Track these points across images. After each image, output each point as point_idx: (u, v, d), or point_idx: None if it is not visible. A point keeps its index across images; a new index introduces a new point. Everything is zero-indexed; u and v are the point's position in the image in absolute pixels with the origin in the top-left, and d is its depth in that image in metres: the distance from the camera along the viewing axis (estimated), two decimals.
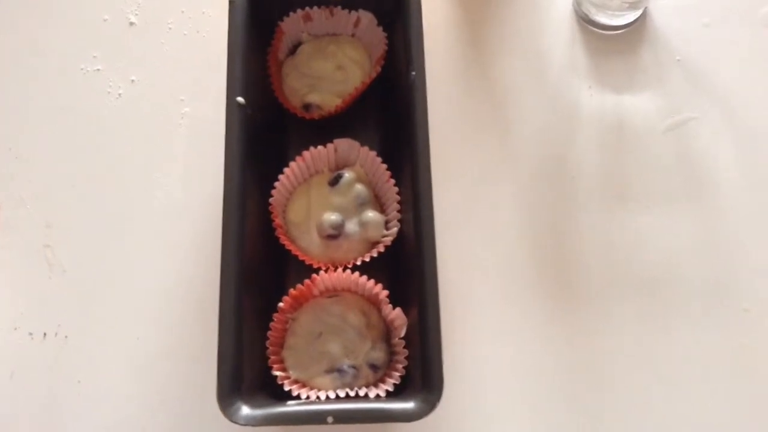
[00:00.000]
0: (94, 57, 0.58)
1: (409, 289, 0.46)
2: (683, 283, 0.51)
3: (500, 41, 0.58)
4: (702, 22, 0.58)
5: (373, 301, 0.48)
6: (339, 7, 0.53)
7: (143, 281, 0.52)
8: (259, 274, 0.47)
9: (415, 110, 0.46)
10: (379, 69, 0.52)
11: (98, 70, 0.57)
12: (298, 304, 0.48)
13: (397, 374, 0.44)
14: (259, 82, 0.51)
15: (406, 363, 0.45)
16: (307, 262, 0.48)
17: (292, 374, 0.46)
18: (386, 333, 0.48)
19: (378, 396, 0.43)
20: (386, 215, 0.50)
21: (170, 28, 0.59)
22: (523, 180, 0.54)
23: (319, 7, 0.53)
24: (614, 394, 0.49)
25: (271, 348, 0.46)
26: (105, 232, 0.53)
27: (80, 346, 0.51)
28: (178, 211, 0.54)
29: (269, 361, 0.45)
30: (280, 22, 0.53)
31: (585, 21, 0.58)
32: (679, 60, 0.57)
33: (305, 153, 0.50)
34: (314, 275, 0.47)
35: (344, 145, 0.51)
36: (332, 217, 0.49)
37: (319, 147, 0.50)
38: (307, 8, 0.53)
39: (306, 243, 0.49)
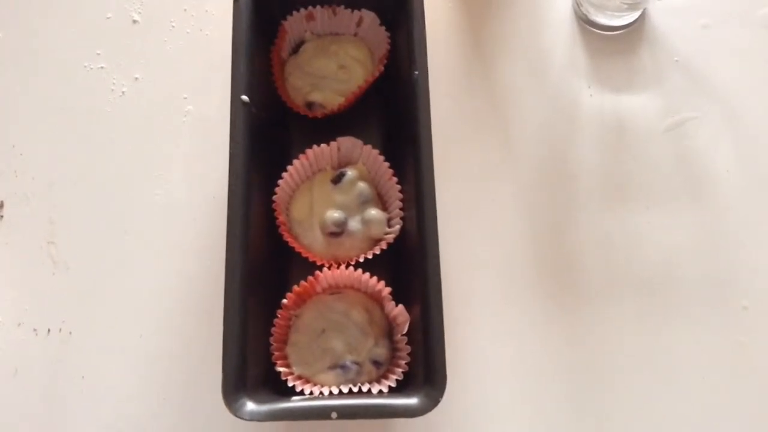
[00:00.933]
0: (98, 54, 0.58)
1: (411, 286, 0.46)
2: (683, 281, 0.52)
3: (501, 41, 0.58)
4: (700, 23, 0.58)
5: (376, 298, 0.48)
6: (342, 7, 0.54)
7: (147, 277, 0.52)
8: (262, 271, 0.47)
9: (417, 109, 0.46)
10: (381, 68, 0.52)
11: (101, 67, 0.58)
12: (302, 300, 0.48)
13: (400, 371, 0.45)
14: (263, 81, 0.51)
15: (408, 359, 0.45)
16: (311, 259, 0.48)
17: (296, 370, 0.46)
18: (389, 330, 0.48)
19: (381, 392, 0.44)
20: (389, 213, 0.50)
21: (173, 26, 0.59)
22: (524, 178, 0.54)
23: (322, 6, 0.54)
24: (614, 392, 0.50)
25: (274, 344, 0.46)
26: (108, 229, 0.54)
27: (84, 342, 0.51)
28: (182, 207, 0.54)
29: (273, 357, 0.46)
30: (283, 21, 0.53)
31: (584, 21, 0.58)
32: (677, 60, 0.57)
33: (308, 151, 0.51)
34: (317, 272, 0.47)
35: (347, 143, 0.51)
36: (335, 214, 0.49)
37: (322, 145, 0.51)
38: (310, 7, 0.53)
39: (309, 240, 0.50)
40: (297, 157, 0.50)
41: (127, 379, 0.50)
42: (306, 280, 0.47)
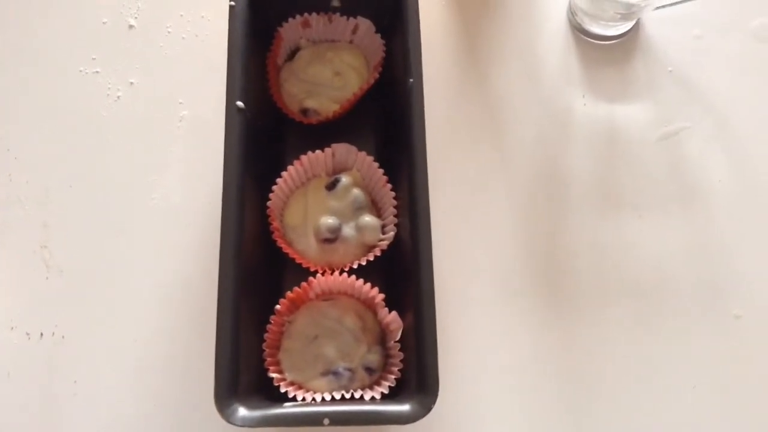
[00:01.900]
0: (93, 59, 0.58)
1: (404, 293, 0.46)
2: (675, 290, 0.52)
3: (496, 49, 0.58)
4: (693, 33, 0.59)
5: (369, 305, 0.49)
6: (337, 14, 0.54)
7: (140, 283, 0.52)
8: (256, 276, 0.47)
9: (412, 117, 0.46)
10: (377, 75, 0.52)
11: (97, 72, 0.58)
12: (295, 306, 0.48)
13: (393, 377, 0.45)
14: (258, 87, 0.51)
15: (401, 366, 0.45)
16: (304, 265, 0.48)
17: (288, 376, 0.46)
18: (382, 336, 0.48)
19: (373, 398, 0.44)
20: (383, 219, 0.50)
21: (169, 32, 0.59)
22: (518, 186, 0.55)
23: (317, 13, 0.54)
24: (606, 399, 0.50)
25: (267, 350, 0.46)
26: (102, 234, 0.54)
27: (77, 347, 0.51)
28: (176, 213, 0.54)
29: (265, 363, 0.46)
30: (279, 28, 0.54)
31: (579, 31, 0.59)
32: (671, 70, 0.58)
33: (303, 157, 0.51)
34: (311, 278, 0.47)
35: (342, 149, 0.51)
36: (329, 220, 0.50)
37: (317, 151, 0.51)
38: (305, 14, 0.54)
39: (303, 246, 0.50)
40: (291, 163, 0.51)
41: (120, 383, 0.50)
42: (299, 286, 0.47)
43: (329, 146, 0.51)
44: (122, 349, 0.51)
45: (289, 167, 0.50)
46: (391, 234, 0.49)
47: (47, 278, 0.53)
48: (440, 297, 0.43)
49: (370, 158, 0.51)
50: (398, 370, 0.45)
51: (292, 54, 0.55)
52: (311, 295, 0.49)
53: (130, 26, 0.59)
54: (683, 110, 0.57)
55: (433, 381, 0.41)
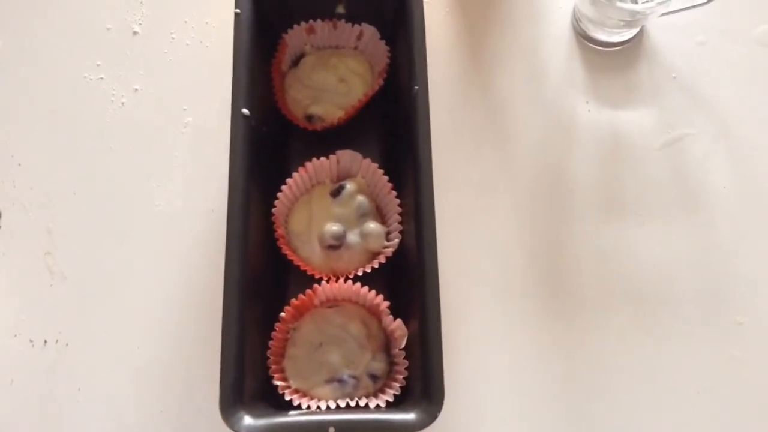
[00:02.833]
0: (98, 65, 0.58)
1: (409, 300, 0.46)
2: (678, 295, 0.52)
3: (500, 55, 0.58)
4: (697, 40, 0.59)
5: (374, 312, 0.48)
6: (342, 21, 0.54)
7: (144, 290, 0.52)
8: (260, 283, 0.47)
9: (417, 123, 0.46)
10: (381, 82, 0.52)
11: (101, 78, 0.58)
12: (299, 314, 0.48)
13: (397, 385, 0.45)
14: (263, 94, 0.51)
15: (406, 374, 0.45)
16: (309, 273, 0.48)
17: (293, 384, 0.46)
18: (386, 343, 0.48)
19: (378, 406, 0.44)
20: (387, 226, 0.50)
21: (173, 38, 0.59)
22: (522, 192, 0.55)
23: (322, 20, 0.54)
24: (611, 405, 0.50)
25: (272, 357, 0.46)
26: (106, 240, 0.54)
27: (80, 354, 0.51)
28: (180, 219, 0.54)
29: (270, 370, 0.46)
30: (284, 34, 0.54)
31: (583, 37, 0.59)
32: (675, 77, 0.58)
33: (308, 164, 0.51)
34: (315, 285, 0.47)
35: (346, 156, 0.51)
36: (334, 227, 0.49)
37: (322, 158, 0.51)
38: (310, 21, 0.54)
39: (307, 253, 0.50)
40: (296, 170, 0.50)
41: (124, 391, 0.50)
42: (304, 293, 0.47)
43: (334, 153, 0.51)
44: (126, 356, 0.51)
45: (294, 174, 0.50)
46: (396, 241, 0.49)
47: (51, 285, 0.53)
48: (444, 302, 0.43)
49: (375, 165, 0.51)
50: (403, 377, 0.45)
51: (297, 60, 0.55)
52: (316, 302, 0.48)
53: (135, 32, 0.59)
54: (687, 116, 0.57)
55: (438, 389, 0.41)
